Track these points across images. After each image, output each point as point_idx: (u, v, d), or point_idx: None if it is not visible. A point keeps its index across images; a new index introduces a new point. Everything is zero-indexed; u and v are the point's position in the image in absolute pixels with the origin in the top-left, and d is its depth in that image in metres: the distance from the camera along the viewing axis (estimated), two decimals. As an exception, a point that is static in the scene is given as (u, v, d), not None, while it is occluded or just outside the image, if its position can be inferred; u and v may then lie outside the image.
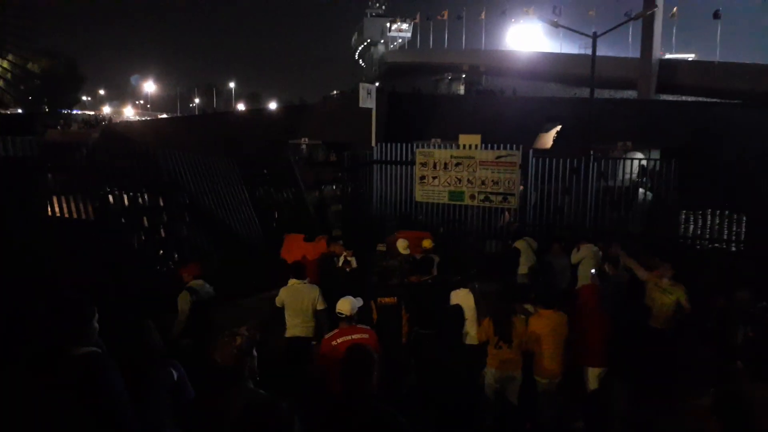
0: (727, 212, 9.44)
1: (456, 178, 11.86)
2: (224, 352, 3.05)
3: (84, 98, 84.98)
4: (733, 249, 9.42)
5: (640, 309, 6.53)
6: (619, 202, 10.62)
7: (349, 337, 4.44)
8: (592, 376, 5.67)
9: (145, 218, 9.42)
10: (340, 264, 7.92)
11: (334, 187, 13.32)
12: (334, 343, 4.46)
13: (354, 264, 7.86)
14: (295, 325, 5.99)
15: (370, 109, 12.99)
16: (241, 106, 58.55)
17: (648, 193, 11.16)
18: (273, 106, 47.88)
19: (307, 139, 19.79)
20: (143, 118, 64.99)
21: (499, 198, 11.48)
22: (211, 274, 6.43)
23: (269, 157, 14.04)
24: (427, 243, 8.22)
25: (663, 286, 6.43)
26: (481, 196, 11.64)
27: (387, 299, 6.14)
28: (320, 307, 5.94)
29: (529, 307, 5.77)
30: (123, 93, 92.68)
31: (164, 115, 64.90)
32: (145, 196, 9.54)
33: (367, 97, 12.56)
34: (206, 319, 5.63)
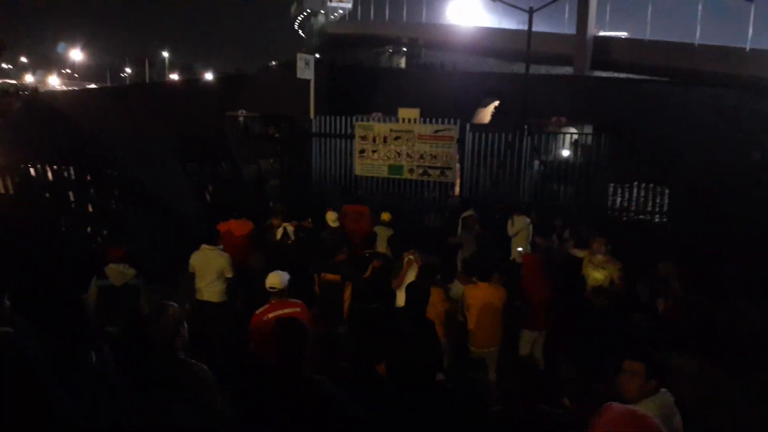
0: (651, 185, 9.88)
1: (395, 151, 11.88)
2: (158, 325, 3.07)
3: (4, 66, 79.84)
4: (657, 220, 9.89)
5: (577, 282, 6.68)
6: (551, 175, 10.94)
7: (280, 311, 4.39)
8: (526, 338, 5.90)
9: (71, 193, 9.01)
10: (279, 237, 7.82)
11: (272, 161, 13.08)
12: (265, 318, 4.40)
13: (292, 237, 7.79)
14: (201, 289, 6.22)
15: (309, 81, 12.77)
16: (175, 77, 56.26)
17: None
18: (209, 77, 46.31)
19: (244, 112, 19.30)
20: (70, 89, 61.64)
21: (437, 172, 11.59)
22: (143, 251, 6.25)
23: (205, 130, 13.63)
24: (385, 216, 8.41)
25: (596, 262, 6.53)
26: (420, 170, 11.72)
27: (330, 276, 6.17)
28: (228, 275, 6.23)
29: (475, 279, 5.87)
30: (48, 61, 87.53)
31: (93, 86, 61.76)
32: (71, 171, 9.10)
33: (305, 68, 12.31)
34: (124, 304, 5.37)
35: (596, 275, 6.47)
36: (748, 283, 6.17)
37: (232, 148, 11.76)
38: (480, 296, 5.50)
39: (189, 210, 10.42)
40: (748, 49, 30.25)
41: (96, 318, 5.30)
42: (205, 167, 11.54)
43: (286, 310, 4.45)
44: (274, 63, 38.82)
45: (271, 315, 4.41)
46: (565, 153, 11.32)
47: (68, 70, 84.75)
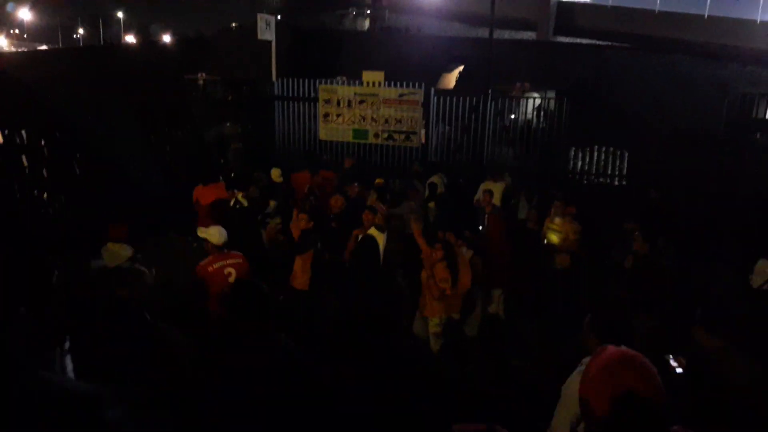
0: (611, 149, 10.10)
1: (360, 115, 11.80)
2: (134, 287, 3.08)
3: (-55, 25, 75.47)
4: (616, 183, 10.14)
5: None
6: (514, 139, 11.06)
7: (223, 262, 4.70)
8: (495, 296, 6.06)
9: (23, 158, 8.69)
10: (231, 204, 7.82)
11: (229, 125, 12.84)
12: (210, 269, 4.66)
13: (244, 203, 7.77)
14: None
15: (270, 43, 12.47)
16: (130, 39, 54.16)
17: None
18: (167, 39, 44.76)
19: (204, 75, 18.79)
20: (19, 50, 58.78)
21: (402, 136, 11.58)
22: (101, 217, 6.10)
23: (163, 94, 13.25)
24: (379, 180, 8.55)
25: (553, 226, 6.63)
26: (385, 135, 11.69)
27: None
28: None
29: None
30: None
31: (44, 47, 59.08)
32: (23, 135, 8.77)
33: (266, 29, 12.00)
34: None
35: (552, 237, 6.58)
36: (706, 243, 6.42)
37: (191, 112, 11.50)
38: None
39: (148, 174, 10.20)
40: (706, 16, 30.75)
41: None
42: (163, 131, 11.27)
43: (229, 261, 4.74)
44: (234, 25, 37.72)
45: (215, 266, 4.67)
46: (528, 117, 11.45)
47: (17, 31, 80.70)
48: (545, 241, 6.64)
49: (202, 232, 4.88)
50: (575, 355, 2.96)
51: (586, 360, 2.87)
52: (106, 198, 9.07)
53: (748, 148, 10.35)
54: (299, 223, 6.05)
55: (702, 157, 9.27)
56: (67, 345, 3.14)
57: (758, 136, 11.16)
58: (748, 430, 2.98)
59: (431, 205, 8.34)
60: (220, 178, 8.41)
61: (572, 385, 2.68)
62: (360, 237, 6.00)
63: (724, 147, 9.94)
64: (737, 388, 3.15)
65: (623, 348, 1.81)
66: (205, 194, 7.79)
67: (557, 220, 6.62)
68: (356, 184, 8.02)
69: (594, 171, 10.35)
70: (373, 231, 6.03)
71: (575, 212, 6.68)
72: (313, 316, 5.60)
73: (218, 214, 7.60)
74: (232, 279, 4.74)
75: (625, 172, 10.12)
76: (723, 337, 3.36)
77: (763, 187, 8.88)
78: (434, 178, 9.09)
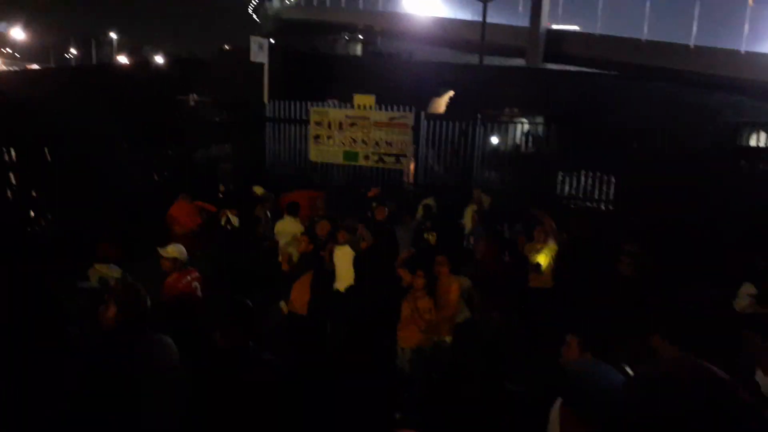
0: (598, 173, 10.22)
1: (351, 138, 11.88)
2: (129, 303, 3.09)
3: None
4: (603, 208, 10.24)
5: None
6: (503, 163, 11.17)
7: (188, 277, 5.00)
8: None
9: (11, 175, 8.68)
10: (223, 223, 7.81)
11: (224, 146, 12.90)
12: (179, 285, 4.90)
13: (235, 223, 7.76)
14: None
15: (263, 65, 12.58)
16: (123, 59, 54.26)
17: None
18: (159, 59, 44.94)
19: (196, 96, 18.87)
20: (11, 68, 58.74)
21: (392, 159, 11.65)
22: (88, 234, 6.08)
23: (155, 115, 13.30)
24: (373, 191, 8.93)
25: (537, 248, 6.59)
26: (375, 157, 11.76)
27: None
28: None
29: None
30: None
31: (35, 66, 59.07)
32: (12, 153, 8.76)
33: (259, 52, 12.12)
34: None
35: (534, 259, 6.52)
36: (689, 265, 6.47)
37: (181, 132, 11.56)
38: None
39: (136, 192, 10.17)
40: (692, 45, 31.40)
41: None
42: (153, 150, 11.28)
43: (192, 276, 5.06)
44: (227, 47, 38.01)
45: (183, 282, 4.95)
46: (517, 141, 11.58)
47: (9, 50, 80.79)
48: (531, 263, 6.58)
49: (162, 251, 5.02)
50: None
51: None
52: (94, 215, 9.03)
53: (734, 175, 10.51)
54: (300, 245, 6.07)
55: (689, 183, 9.40)
56: None
57: (742, 163, 11.33)
58: None
59: (428, 226, 8.28)
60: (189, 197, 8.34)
61: (555, 410, 2.73)
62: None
63: (711, 173, 10.09)
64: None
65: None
66: (177, 211, 7.81)
67: (537, 246, 6.54)
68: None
69: (581, 195, 10.48)
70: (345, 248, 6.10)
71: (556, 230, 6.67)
72: (312, 340, 5.60)
73: (209, 233, 7.61)
74: (199, 293, 5.01)
75: (611, 196, 10.24)
76: (681, 346, 3.43)
77: (747, 211, 9.00)
78: (428, 201, 9.14)
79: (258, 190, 8.81)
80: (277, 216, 8.09)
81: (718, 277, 5.95)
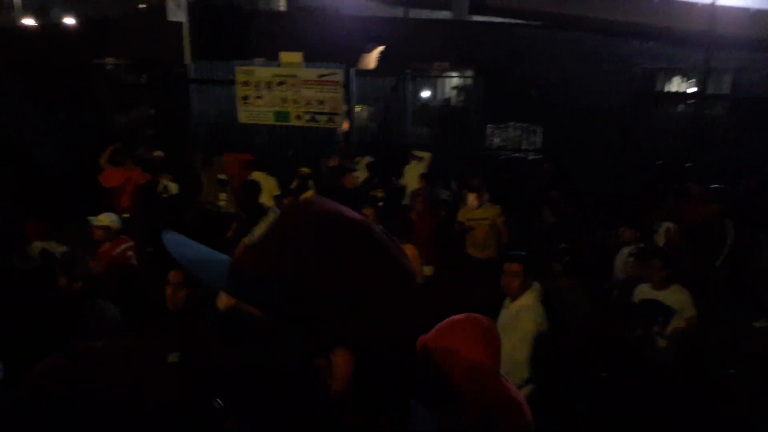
0: (525, 125, 10.50)
1: (280, 98, 11.63)
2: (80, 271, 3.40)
3: None
4: (531, 158, 10.57)
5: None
6: (433, 119, 11.27)
7: (123, 246, 4.98)
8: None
9: None
10: (160, 189, 7.56)
11: (144, 110, 12.37)
12: (114, 253, 4.90)
13: (174, 190, 7.53)
14: None
15: (181, 24, 12.02)
16: (29, 22, 50.38)
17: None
18: (70, 21, 42.00)
19: (113, 59, 17.89)
20: None
21: (325, 118, 11.52)
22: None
23: (68, 81, 12.55)
24: (304, 170, 8.35)
25: (471, 215, 6.40)
26: (307, 116, 11.59)
27: None
28: None
29: None
30: None
31: (-72, 31, 54.08)
32: None
33: (177, 10, 11.55)
34: None
35: (476, 234, 6.36)
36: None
37: (99, 98, 10.99)
38: None
39: (55, 163, 9.68)
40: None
41: None
42: (69, 119, 10.71)
43: (126, 245, 5.04)
44: (142, 5, 35.93)
45: (118, 250, 4.92)
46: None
47: None
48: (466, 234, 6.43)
49: (94, 220, 4.95)
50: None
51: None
52: (13, 192, 8.54)
53: (653, 120, 11.01)
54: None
55: (609, 130, 9.81)
56: None
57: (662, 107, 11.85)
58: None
59: (375, 182, 8.23)
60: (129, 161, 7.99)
61: None
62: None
63: (631, 119, 10.55)
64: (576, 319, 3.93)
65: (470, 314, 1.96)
66: (109, 177, 7.47)
67: (474, 212, 6.40)
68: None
69: (510, 147, 10.76)
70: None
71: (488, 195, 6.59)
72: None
73: (146, 200, 7.34)
74: (134, 262, 5.01)
75: (539, 146, 10.57)
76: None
77: (662, 155, 9.54)
78: (368, 159, 9.13)
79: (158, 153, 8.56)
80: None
81: (635, 218, 6.33)
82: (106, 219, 4.97)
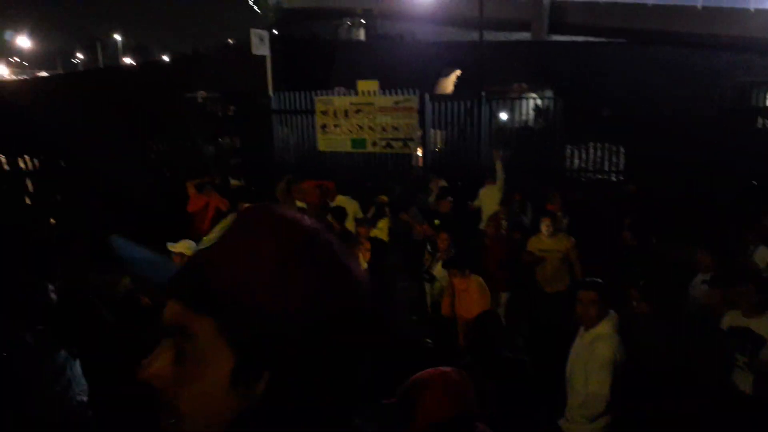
0: (607, 145, 10.16)
1: (357, 125, 11.90)
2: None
3: (-54, 57, 76.13)
4: (614, 179, 10.19)
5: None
6: (510, 141, 11.13)
7: None
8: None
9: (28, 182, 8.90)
10: None
11: (230, 140, 13.01)
12: None
13: None
14: None
15: (265, 58, 12.62)
16: (129, 60, 54.37)
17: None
18: (165, 58, 45.04)
19: (203, 93, 19.00)
20: (19, 77, 59.19)
21: (400, 144, 11.67)
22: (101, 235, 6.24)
23: (163, 114, 13.44)
24: (383, 198, 8.15)
25: (542, 244, 6.14)
26: (383, 143, 11.78)
27: None
28: None
29: None
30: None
31: (44, 74, 59.59)
32: (26, 160, 8.98)
33: (260, 44, 12.14)
34: None
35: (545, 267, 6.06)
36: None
37: (190, 129, 11.67)
38: None
39: (149, 192, 10.29)
40: (699, 7, 30.77)
41: None
42: (163, 148, 11.44)
43: None
44: (230, 41, 38.01)
45: None
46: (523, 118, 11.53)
47: (16, 59, 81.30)
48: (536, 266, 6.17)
49: (172, 247, 4.92)
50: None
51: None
52: (108, 217, 9.18)
53: (748, 136, 10.35)
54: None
55: (697, 148, 9.31)
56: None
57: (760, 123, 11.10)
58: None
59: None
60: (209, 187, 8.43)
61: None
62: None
63: (721, 137, 9.96)
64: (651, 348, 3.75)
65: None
66: (193, 202, 7.93)
67: (547, 240, 6.11)
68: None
69: (591, 168, 10.43)
70: None
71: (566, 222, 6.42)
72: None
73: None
74: None
75: (622, 167, 10.18)
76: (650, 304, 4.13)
77: (761, 174, 8.92)
78: (441, 182, 9.13)
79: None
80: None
81: (726, 241, 5.96)
82: (182, 246, 4.99)
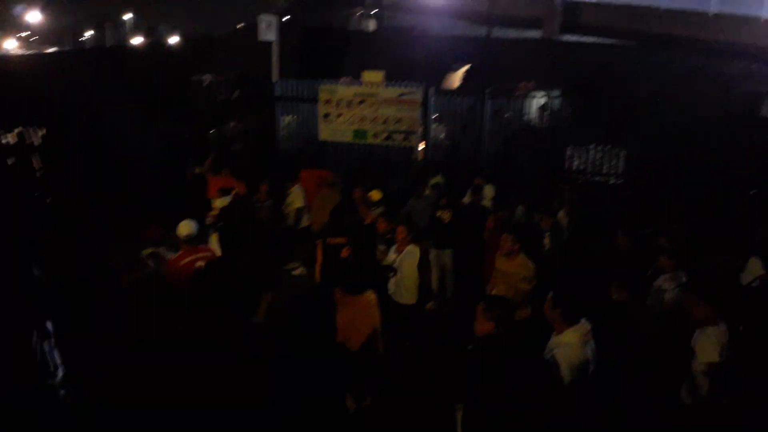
0: (607, 147, 10.12)
1: (360, 116, 11.88)
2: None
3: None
4: (612, 182, 10.16)
5: None
6: (511, 139, 11.10)
7: (194, 256, 4.71)
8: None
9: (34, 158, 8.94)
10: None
11: (233, 124, 13.01)
12: (180, 263, 4.69)
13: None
14: None
15: (270, 44, 12.58)
16: (138, 40, 54.27)
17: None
18: (174, 40, 44.97)
19: (210, 76, 18.98)
20: (26, 53, 58.98)
21: (401, 136, 11.65)
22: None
23: (169, 96, 13.46)
24: (375, 195, 7.71)
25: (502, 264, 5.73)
26: (384, 135, 11.76)
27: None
28: None
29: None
30: (6, 25, 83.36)
31: (52, 50, 59.40)
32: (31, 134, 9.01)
33: (267, 30, 12.07)
34: None
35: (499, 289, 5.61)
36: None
37: (195, 111, 11.68)
38: None
39: (154, 173, 10.30)
40: (711, 13, 30.57)
41: None
42: (169, 131, 11.42)
43: (199, 255, 4.76)
44: (241, 25, 37.87)
45: (185, 260, 4.69)
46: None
47: (25, 34, 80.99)
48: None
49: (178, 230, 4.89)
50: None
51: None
52: (114, 198, 9.18)
53: (753, 146, 10.27)
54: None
55: (700, 155, 9.28)
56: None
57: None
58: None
59: (443, 203, 8.15)
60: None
61: None
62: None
63: (727, 144, 9.91)
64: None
65: None
66: (212, 185, 8.03)
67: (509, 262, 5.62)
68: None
69: (590, 170, 10.40)
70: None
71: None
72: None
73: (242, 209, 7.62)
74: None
75: (620, 170, 10.16)
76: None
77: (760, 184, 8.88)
78: (437, 179, 9.15)
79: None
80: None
81: (726, 250, 5.96)
82: (185, 227, 4.85)
